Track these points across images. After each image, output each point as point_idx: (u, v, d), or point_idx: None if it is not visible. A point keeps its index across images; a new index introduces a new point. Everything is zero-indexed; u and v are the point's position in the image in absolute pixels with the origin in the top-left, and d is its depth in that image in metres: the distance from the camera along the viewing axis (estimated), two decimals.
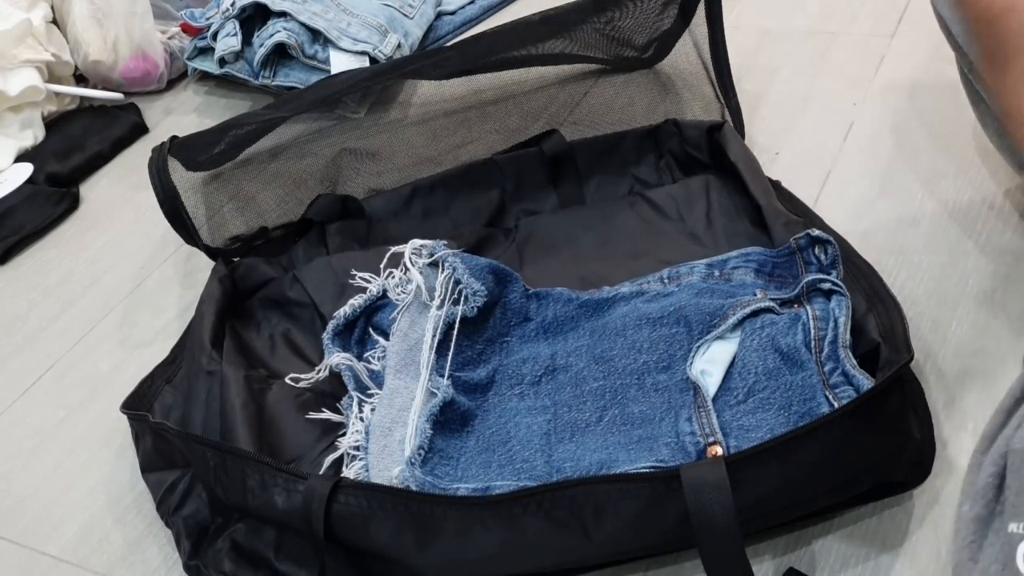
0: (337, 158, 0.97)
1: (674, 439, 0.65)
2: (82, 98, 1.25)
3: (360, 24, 1.13)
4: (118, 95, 1.24)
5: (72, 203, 1.10)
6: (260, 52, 1.12)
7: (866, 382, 0.63)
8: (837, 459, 0.59)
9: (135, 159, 1.17)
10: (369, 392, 0.74)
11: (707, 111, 0.94)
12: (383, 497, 0.60)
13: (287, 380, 0.77)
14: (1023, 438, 0.47)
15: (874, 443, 0.60)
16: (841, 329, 0.67)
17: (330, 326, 0.79)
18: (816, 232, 0.72)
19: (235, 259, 0.90)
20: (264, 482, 0.63)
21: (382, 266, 0.81)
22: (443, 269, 0.76)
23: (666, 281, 0.78)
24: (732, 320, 0.70)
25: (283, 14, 1.12)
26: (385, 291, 0.81)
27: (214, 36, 1.18)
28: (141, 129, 1.21)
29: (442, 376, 0.72)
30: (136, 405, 0.77)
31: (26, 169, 1.14)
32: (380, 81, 1.03)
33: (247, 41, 1.15)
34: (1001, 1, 0.62)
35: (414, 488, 0.63)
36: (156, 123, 1.22)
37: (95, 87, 1.26)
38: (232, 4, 1.16)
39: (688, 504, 0.55)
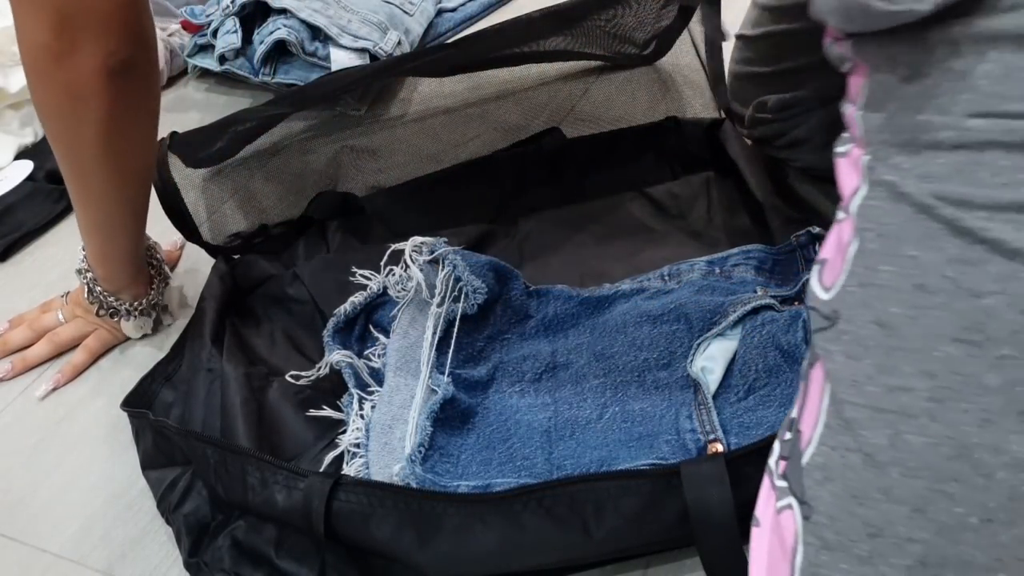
0: (338, 155, 0.97)
1: (675, 436, 0.65)
2: None
3: (360, 21, 1.13)
4: None
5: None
6: (260, 49, 1.12)
7: None
8: None
9: None
10: (369, 389, 0.74)
11: (708, 108, 0.94)
12: (383, 495, 0.60)
13: (287, 377, 0.77)
14: None
15: None
16: None
17: (330, 323, 0.79)
18: (817, 229, 0.72)
19: (235, 256, 0.90)
20: (264, 479, 0.63)
21: (382, 263, 0.81)
22: (443, 266, 0.76)
23: (666, 278, 0.78)
24: (732, 317, 0.70)
25: (283, 11, 1.12)
26: (385, 288, 0.81)
27: (214, 33, 1.18)
28: None
29: (442, 373, 0.72)
30: (136, 403, 0.77)
31: (26, 166, 1.13)
32: (380, 78, 1.03)
33: (247, 38, 1.15)
34: None
35: (414, 485, 0.63)
36: None
37: None
38: (232, 1, 1.16)
39: (687, 500, 0.55)
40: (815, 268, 0.50)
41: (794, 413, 0.50)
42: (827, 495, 0.45)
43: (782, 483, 0.48)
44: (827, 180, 0.82)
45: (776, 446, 0.50)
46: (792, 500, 0.47)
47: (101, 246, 0.80)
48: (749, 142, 0.89)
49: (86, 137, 0.69)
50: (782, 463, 0.49)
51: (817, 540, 0.45)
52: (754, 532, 0.49)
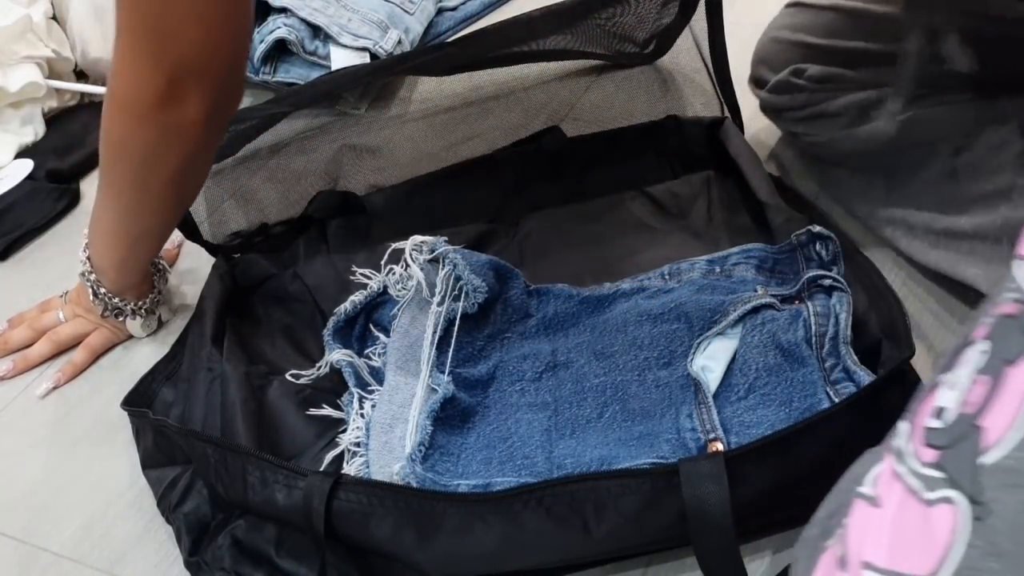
0: (338, 154, 0.97)
1: (675, 435, 0.65)
2: (83, 94, 1.25)
3: (360, 20, 1.13)
4: None
5: (72, 199, 1.10)
6: (261, 48, 1.12)
7: (867, 378, 0.63)
8: (837, 455, 0.58)
9: None
10: (370, 388, 0.74)
11: (708, 107, 0.94)
12: (383, 494, 0.60)
13: (288, 376, 0.77)
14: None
15: (875, 439, 0.60)
16: (842, 325, 0.67)
17: (331, 322, 0.79)
18: (817, 228, 0.72)
19: (236, 255, 0.90)
20: (264, 479, 0.63)
21: (383, 262, 0.81)
22: (444, 265, 0.76)
23: (667, 277, 0.78)
24: (733, 316, 0.70)
25: (283, 10, 1.12)
26: (386, 287, 0.81)
27: None
28: None
29: (443, 372, 0.72)
30: (137, 402, 0.77)
31: (26, 165, 1.14)
32: (381, 77, 1.03)
33: None
34: None
35: (415, 485, 0.63)
36: None
37: (95, 83, 1.26)
38: None
39: (684, 497, 0.55)
40: (1020, 263, 0.46)
41: (967, 408, 0.46)
42: (1014, 502, 0.42)
43: (932, 472, 0.45)
44: (830, 162, 0.82)
45: (908, 430, 0.47)
46: (955, 494, 0.44)
47: (123, 256, 0.81)
48: (759, 103, 0.88)
49: (164, 172, 0.70)
50: (930, 451, 0.46)
51: (987, 544, 0.42)
52: (861, 506, 0.46)
